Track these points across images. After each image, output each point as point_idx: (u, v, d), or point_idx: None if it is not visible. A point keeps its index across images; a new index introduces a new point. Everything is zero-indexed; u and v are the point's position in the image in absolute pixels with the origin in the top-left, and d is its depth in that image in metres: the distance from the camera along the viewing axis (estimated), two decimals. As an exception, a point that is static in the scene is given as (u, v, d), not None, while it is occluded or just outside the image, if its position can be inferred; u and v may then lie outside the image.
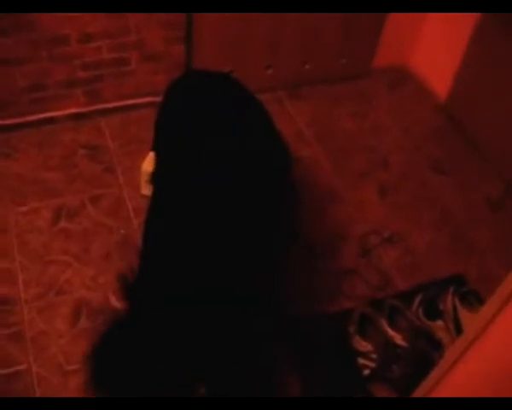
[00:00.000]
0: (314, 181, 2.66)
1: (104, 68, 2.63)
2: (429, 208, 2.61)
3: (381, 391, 1.99)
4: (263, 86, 2.96)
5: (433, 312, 2.16)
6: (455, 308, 2.11)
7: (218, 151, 1.65)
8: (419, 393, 1.43)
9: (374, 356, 2.04)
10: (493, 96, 2.78)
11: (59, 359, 1.98)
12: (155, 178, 1.79)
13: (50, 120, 2.72)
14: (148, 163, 2.35)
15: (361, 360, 2.05)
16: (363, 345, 2.06)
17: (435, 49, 3.07)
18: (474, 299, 2.16)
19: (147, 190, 2.29)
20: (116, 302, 2.10)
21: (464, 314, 2.10)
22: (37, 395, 1.88)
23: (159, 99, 1.94)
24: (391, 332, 2.08)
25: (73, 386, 1.91)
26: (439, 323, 2.13)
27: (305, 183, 2.64)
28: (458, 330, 2.09)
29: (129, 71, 2.68)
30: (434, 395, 1.37)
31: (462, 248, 2.48)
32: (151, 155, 2.26)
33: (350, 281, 2.32)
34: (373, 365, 2.03)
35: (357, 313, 2.12)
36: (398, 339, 2.06)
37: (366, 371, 2.03)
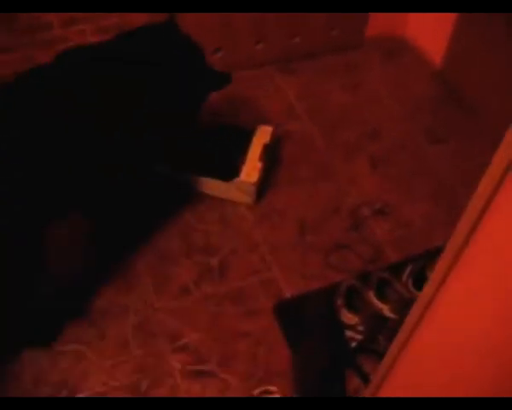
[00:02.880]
0: (305, 156, 2.62)
1: (90, 52, 2.62)
2: (424, 179, 2.56)
3: (368, 363, 1.97)
4: (253, 62, 2.95)
5: (422, 282, 2.12)
6: (442, 277, 2.08)
7: None
8: (388, 358, 1.41)
9: (361, 328, 2.02)
10: (490, 63, 2.71)
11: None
12: None
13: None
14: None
15: (348, 333, 2.03)
16: (350, 318, 2.04)
17: (430, 15, 2.99)
18: (462, 267, 2.12)
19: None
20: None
21: (452, 283, 2.06)
22: None
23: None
24: (379, 304, 2.05)
25: None
26: (428, 293, 2.09)
27: (296, 158, 2.61)
28: (447, 299, 2.05)
29: (115, 53, 2.66)
30: (400, 358, 1.36)
31: (458, 220, 2.42)
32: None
33: (341, 255, 2.30)
34: (360, 337, 2.01)
35: (345, 285, 2.10)
36: (386, 311, 2.03)
37: (353, 344, 2.02)
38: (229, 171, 2.36)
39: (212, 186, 2.39)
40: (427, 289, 1.18)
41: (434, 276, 1.14)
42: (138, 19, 2.58)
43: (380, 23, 3.07)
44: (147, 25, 2.10)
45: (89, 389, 1.87)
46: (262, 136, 2.46)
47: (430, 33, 3.04)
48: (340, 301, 2.08)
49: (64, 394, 1.85)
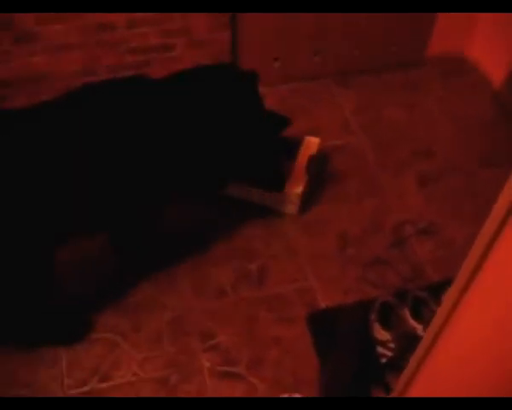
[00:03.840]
0: (354, 170, 2.64)
1: (151, 54, 2.71)
2: (472, 202, 2.52)
3: (396, 381, 1.96)
4: (310, 74, 2.99)
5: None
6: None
7: None
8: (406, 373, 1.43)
9: (392, 345, 2.01)
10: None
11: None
12: None
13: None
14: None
15: (379, 349, 2.03)
16: (383, 334, 2.04)
17: (494, 36, 2.95)
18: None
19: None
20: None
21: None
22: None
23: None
24: (413, 323, 2.04)
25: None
26: (465, 316, 2.07)
27: (345, 171, 2.63)
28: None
29: (175, 57, 2.74)
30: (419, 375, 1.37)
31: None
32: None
33: (380, 271, 2.30)
34: (390, 354, 2.01)
35: (380, 301, 2.10)
36: (420, 330, 2.02)
37: (383, 360, 2.01)
38: (276, 181, 2.40)
39: (257, 195, 2.43)
40: (443, 307, 1.18)
41: (449, 296, 1.14)
42: (200, 23, 2.67)
43: (442, 42, 3.05)
44: (206, 66, 2.14)
45: (119, 378, 1.95)
46: (309, 147, 2.49)
47: (493, 55, 2.99)
48: (373, 317, 2.08)
49: (95, 380, 1.93)
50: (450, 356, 1.28)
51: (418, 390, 1.43)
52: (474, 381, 1.19)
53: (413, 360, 1.38)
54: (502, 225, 0.98)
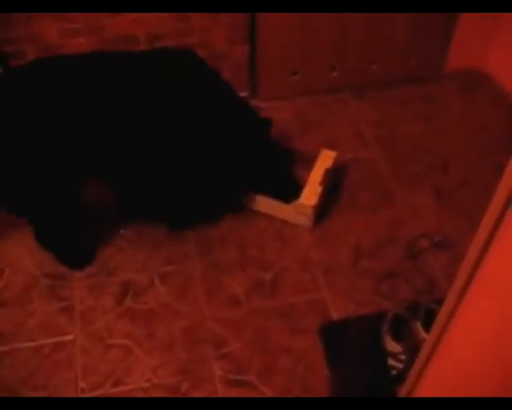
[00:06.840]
0: (369, 183, 2.65)
1: (171, 67, 2.76)
2: (488, 215, 2.51)
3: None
4: (328, 87, 3.02)
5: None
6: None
7: None
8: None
9: (403, 358, 2.02)
10: None
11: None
12: None
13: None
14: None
15: (390, 361, 2.04)
16: (394, 346, 2.04)
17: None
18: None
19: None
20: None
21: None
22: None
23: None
24: (425, 336, 2.05)
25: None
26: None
27: (360, 184, 2.65)
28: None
29: (194, 70, 2.79)
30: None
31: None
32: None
33: (394, 284, 2.31)
34: (401, 366, 2.01)
35: (392, 313, 2.11)
36: (432, 343, 2.02)
37: (394, 372, 2.02)
38: (290, 193, 2.43)
39: (272, 207, 2.46)
40: (442, 314, 1.20)
41: (446, 305, 1.16)
42: (219, 37, 2.72)
43: (460, 56, 3.06)
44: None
45: (132, 384, 1.98)
46: (325, 160, 2.52)
47: (511, 69, 2.99)
48: (385, 328, 2.09)
49: (109, 384, 1.98)
50: (452, 359, 1.29)
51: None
52: (475, 382, 1.20)
53: (416, 367, 1.39)
54: (500, 219, 0.98)
